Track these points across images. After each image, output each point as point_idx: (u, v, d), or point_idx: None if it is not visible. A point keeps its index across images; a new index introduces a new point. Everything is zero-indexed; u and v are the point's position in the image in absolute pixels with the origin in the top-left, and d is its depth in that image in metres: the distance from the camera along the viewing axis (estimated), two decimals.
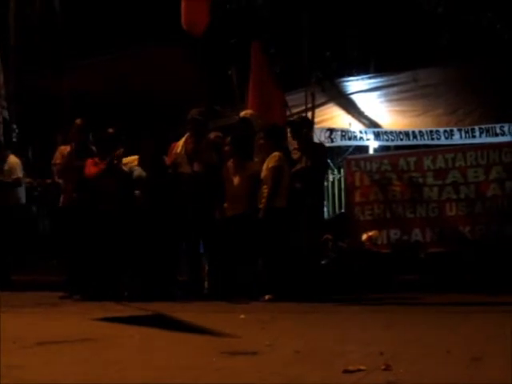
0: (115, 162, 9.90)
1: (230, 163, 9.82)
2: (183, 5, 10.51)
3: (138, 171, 10.00)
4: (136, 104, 12.53)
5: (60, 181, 10.39)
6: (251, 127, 10.21)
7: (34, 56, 15.02)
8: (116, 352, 5.01)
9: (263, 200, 9.41)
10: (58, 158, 10.41)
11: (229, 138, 10.06)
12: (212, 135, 10.36)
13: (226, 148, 9.97)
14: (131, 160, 10.34)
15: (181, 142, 9.93)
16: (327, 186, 16.87)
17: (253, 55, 11.71)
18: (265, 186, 9.44)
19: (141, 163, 10.08)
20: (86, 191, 9.90)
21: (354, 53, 21.65)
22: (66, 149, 10.31)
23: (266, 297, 9.05)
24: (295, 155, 10.08)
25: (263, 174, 9.52)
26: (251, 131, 10.15)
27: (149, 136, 10.25)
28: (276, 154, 9.54)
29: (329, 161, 16.49)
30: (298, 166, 9.91)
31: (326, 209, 15.90)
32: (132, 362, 4.55)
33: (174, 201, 9.82)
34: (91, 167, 9.91)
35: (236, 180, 9.71)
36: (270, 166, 9.48)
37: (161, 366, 4.43)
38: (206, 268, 9.94)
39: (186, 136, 9.94)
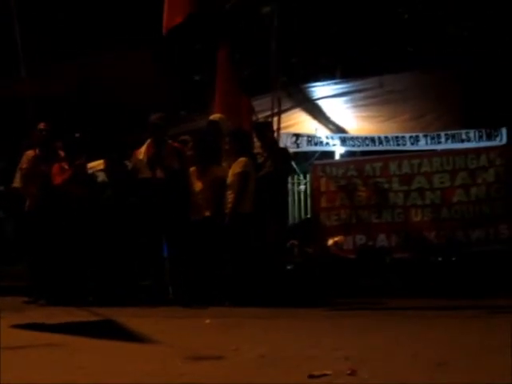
0: (78, 171, 9.85)
1: (193, 168, 9.79)
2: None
3: (102, 176, 9.97)
4: (99, 108, 12.47)
5: (22, 186, 10.32)
6: (219, 131, 10.14)
7: None
8: (81, 357, 4.96)
9: (229, 205, 9.39)
10: (24, 163, 10.30)
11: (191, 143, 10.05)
12: (177, 140, 10.33)
13: (189, 152, 9.94)
14: (96, 165, 10.30)
15: (143, 149, 9.90)
16: (293, 191, 16.86)
17: (219, 63, 11.69)
18: (230, 192, 9.40)
19: (104, 170, 10.06)
20: (51, 197, 9.84)
21: (321, 59, 21.64)
22: (31, 153, 10.22)
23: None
24: (259, 159, 10.04)
25: (229, 179, 9.48)
26: (219, 135, 10.09)
27: (110, 143, 10.22)
28: (242, 159, 9.51)
29: (294, 166, 16.50)
30: (263, 171, 9.87)
31: (291, 214, 15.90)
32: (97, 367, 4.51)
33: (136, 207, 9.77)
34: (57, 176, 9.84)
35: (199, 185, 9.67)
36: (236, 171, 9.45)
37: (126, 371, 4.39)
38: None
39: (147, 142, 9.92)
